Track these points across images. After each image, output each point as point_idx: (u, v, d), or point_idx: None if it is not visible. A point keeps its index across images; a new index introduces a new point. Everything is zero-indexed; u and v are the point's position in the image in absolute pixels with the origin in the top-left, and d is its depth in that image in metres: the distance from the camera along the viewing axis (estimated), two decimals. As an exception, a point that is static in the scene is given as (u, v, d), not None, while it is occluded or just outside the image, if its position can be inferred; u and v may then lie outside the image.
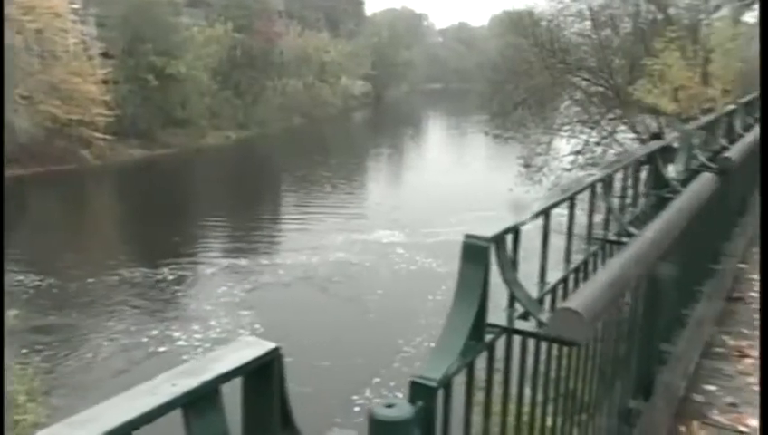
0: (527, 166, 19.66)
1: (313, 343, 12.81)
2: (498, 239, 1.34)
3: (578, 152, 18.88)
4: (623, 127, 19.46)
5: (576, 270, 1.90)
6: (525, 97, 20.96)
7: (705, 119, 4.29)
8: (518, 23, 22.15)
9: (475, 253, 1.27)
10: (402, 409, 1.09)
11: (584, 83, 20.61)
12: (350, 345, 13.21)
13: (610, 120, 19.81)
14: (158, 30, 33.90)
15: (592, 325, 1.31)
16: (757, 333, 4.20)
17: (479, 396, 1.52)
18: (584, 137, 19.63)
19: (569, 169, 18.47)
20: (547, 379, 2.14)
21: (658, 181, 2.74)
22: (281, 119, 44.21)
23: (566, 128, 20.55)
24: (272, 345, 0.87)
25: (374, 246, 19.43)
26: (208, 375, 0.79)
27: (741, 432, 3.08)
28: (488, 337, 1.34)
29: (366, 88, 60.32)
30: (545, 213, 1.62)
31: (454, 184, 27.52)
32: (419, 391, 1.15)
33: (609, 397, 2.75)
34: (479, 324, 1.28)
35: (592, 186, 1.99)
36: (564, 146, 20.26)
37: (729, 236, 5.71)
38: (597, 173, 2.12)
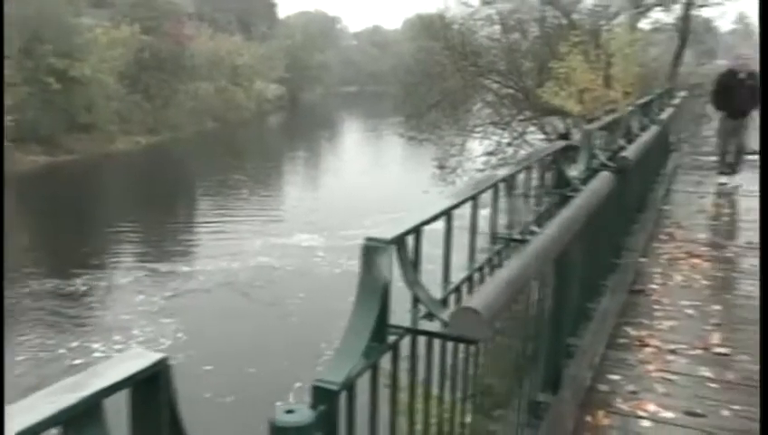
0: (441, 167, 19.97)
1: (237, 350, 12.60)
2: (398, 241, 1.35)
3: (490, 153, 19.32)
4: (533, 128, 20.05)
5: (480, 269, 1.94)
6: (439, 99, 21.28)
7: (604, 120, 4.47)
8: (430, 26, 22.47)
9: (374, 255, 1.27)
10: (303, 414, 1.08)
11: (495, 86, 21.11)
12: (273, 350, 13.06)
13: (521, 121, 20.37)
14: (58, 30, 32.48)
15: (492, 323, 1.33)
16: (656, 323, 4.40)
17: (400, 396, 1.53)
18: (496, 138, 20.10)
19: (482, 170, 18.88)
20: (466, 377, 2.18)
21: (561, 180, 2.83)
22: (193, 123, 43.24)
23: (479, 129, 20.99)
24: (159, 356, 0.84)
25: (294, 250, 19.28)
26: (89, 390, 0.75)
27: (640, 417, 3.21)
28: (391, 338, 1.35)
29: (280, 91, 59.76)
30: (447, 214, 1.64)
31: (371, 186, 27.63)
32: (321, 395, 1.15)
33: (521, 392, 2.82)
34: (381, 326, 1.29)
35: (495, 186, 2.03)
36: (477, 147, 20.69)
37: (630, 232, 5.97)
38: (499, 173, 2.16)
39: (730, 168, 9.53)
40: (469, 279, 1.82)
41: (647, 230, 6.44)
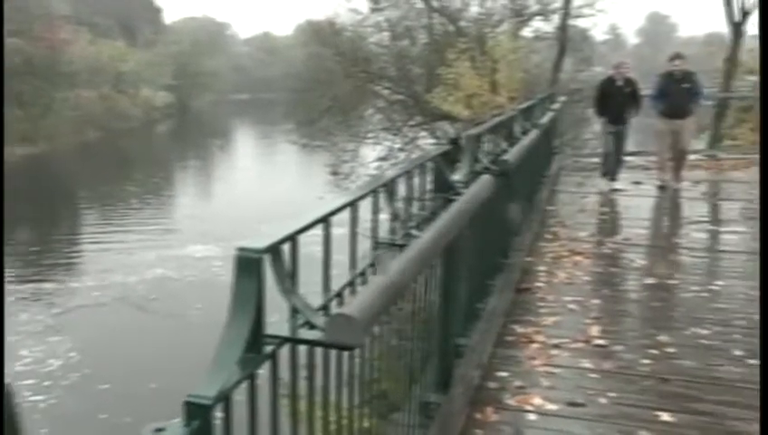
0: (335, 173, 20.01)
1: (136, 366, 12.11)
2: (273, 250, 1.34)
3: (383, 158, 19.53)
4: (424, 133, 20.45)
5: (363, 274, 1.96)
6: (330, 105, 21.32)
7: (487, 124, 4.61)
8: (320, 32, 22.49)
9: (247, 265, 1.26)
10: (174, 431, 1.05)
11: (386, 92, 21.39)
12: (174, 365, 12.63)
13: (412, 126, 20.73)
14: None
15: (367, 329, 1.35)
16: (541, 319, 4.59)
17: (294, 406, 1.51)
18: (388, 143, 20.36)
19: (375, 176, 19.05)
20: (362, 382, 2.19)
21: (444, 184, 2.89)
22: (75, 132, 41.20)
23: (371, 135, 21.19)
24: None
25: (190, 261, 18.76)
26: None
27: (527, 411, 3.34)
28: (269, 348, 1.34)
29: (169, 99, 57.97)
30: (325, 220, 1.65)
31: (266, 194, 27.29)
32: (194, 411, 1.12)
33: (413, 394, 2.86)
34: (256, 337, 1.27)
35: (375, 191, 2.05)
36: (370, 153, 20.87)
37: (517, 232, 6.19)
38: (380, 178, 2.19)
39: (612, 173, 9.77)
40: (351, 285, 1.83)
41: (532, 230, 6.70)
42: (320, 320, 1.33)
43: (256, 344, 1.28)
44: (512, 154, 4.13)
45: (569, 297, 5.01)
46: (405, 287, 1.66)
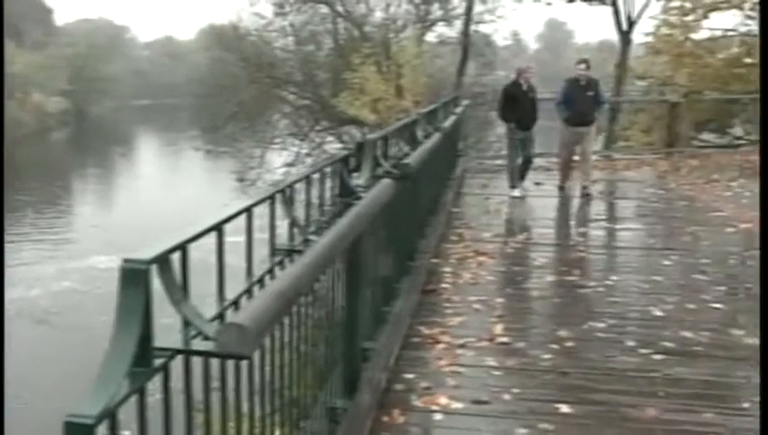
0: (241, 180, 19.73)
1: (41, 384, 11.52)
2: (161, 260, 1.31)
3: (290, 164, 19.42)
4: (331, 138, 20.47)
5: (261, 281, 1.94)
6: (235, 111, 21.01)
7: (388, 128, 4.66)
8: (223, 37, 22.14)
9: (133, 277, 1.22)
10: (53, 454, 1.01)
11: (292, 97, 21.28)
12: (70, 380, 12.08)
13: (319, 131, 20.71)
14: None
15: (259, 338, 1.34)
16: (447, 320, 4.67)
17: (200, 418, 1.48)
18: (295, 149, 20.27)
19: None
20: (273, 389, 2.16)
21: (345, 189, 2.91)
22: (-46, 140, 38.72)
23: (277, 141, 21.03)
24: None
25: (93, 272, 18.00)
26: None
27: (433, 411, 3.39)
28: (159, 361, 1.31)
29: (64, 105, 55.43)
30: (218, 228, 1.62)
31: (171, 202, 26.54)
32: (75, 432, 1.08)
33: (322, 399, 2.86)
34: (145, 350, 1.24)
35: (272, 197, 2.04)
36: (277, 159, 20.70)
37: (423, 235, 6.29)
38: (277, 185, 2.18)
39: (519, 179, 9.53)
40: (248, 293, 1.81)
41: (438, 232, 6.82)
42: (212, 330, 1.31)
43: (145, 358, 1.25)
44: (413, 158, 4.20)
45: (474, 297, 5.12)
46: (300, 294, 1.66)
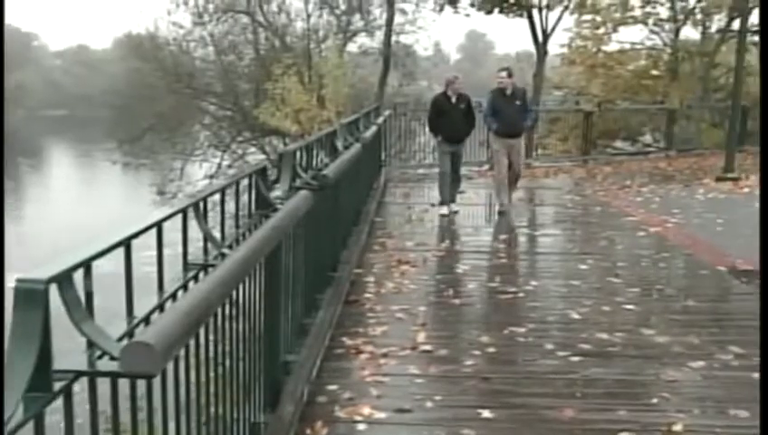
0: (161, 193, 19.25)
1: None
2: (61, 279, 1.27)
3: (211, 176, 19.10)
4: (253, 149, 20.25)
5: (174, 297, 1.90)
6: (153, 122, 20.52)
7: (309, 139, 4.65)
8: (140, 46, 21.60)
9: (29, 297, 1.17)
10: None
11: (213, 108, 20.95)
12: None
13: (240, 142, 20.46)
14: None
15: (168, 356, 1.31)
16: (370, 330, 4.68)
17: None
18: (217, 160, 19.95)
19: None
20: (198, 406, 2.10)
21: (262, 202, 2.88)
22: None
23: (198, 152, 20.65)
24: None
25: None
26: None
27: (356, 422, 3.39)
28: (60, 384, 1.26)
29: (-32, 115, 52.75)
30: (125, 244, 1.58)
31: (87, 217, 25.61)
32: (-34, 463, 1.02)
33: (245, 415, 2.80)
34: (43, 373, 1.19)
35: (184, 211, 1.99)
36: (198, 171, 20.30)
37: (346, 245, 6.29)
38: (189, 198, 2.14)
39: (452, 197, 9.14)
40: (160, 309, 1.77)
41: (360, 242, 6.84)
42: (117, 349, 1.27)
43: (44, 382, 1.20)
44: (332, 169, 4.20)
45: (396, 306, 5.15)
46: (211, 308, 1.63)
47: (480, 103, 10.02)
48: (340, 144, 5.56)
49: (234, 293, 2.16)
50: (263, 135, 19.52)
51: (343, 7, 22.68)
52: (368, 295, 5.45)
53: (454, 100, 8.87)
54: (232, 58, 21.32)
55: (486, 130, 10.01)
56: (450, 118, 8.83)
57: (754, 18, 18.92)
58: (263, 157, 19.17)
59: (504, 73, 8.88)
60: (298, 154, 4.04)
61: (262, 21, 21.16)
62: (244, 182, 2.89)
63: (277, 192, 3.27)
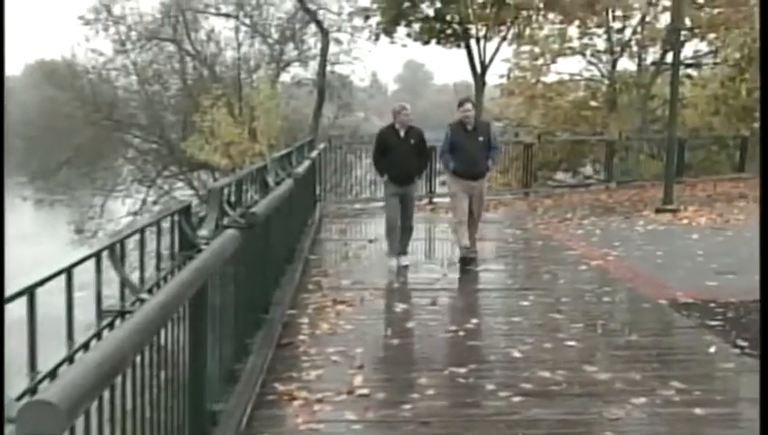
0: (79, 232, 18.72)
1: None
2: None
3: (135, 213, 18.71)
4: (181, 184, 19.96)
5: (86, 346, 1.85)
6: (71, 155, 20.03)
7: (238, 175, 4.63)
8: (55, 74, 21.16)
9: None
10: None
11: (137, 140, 20.63)
12: None
13: (167, 177, 20.15)
14: None
15: (73, 414, 1.26)
16: (304, 374, 4.63)
17: None
18: (141, 196, 19.57)
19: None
20: None
21: (185, 242, 2.84)
22: None
23: (120, 188, 20.23)
24: None
25: None
26: None
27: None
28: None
29: None
30: (30, 291, 1.53)
31: (-5, 259, 24.64)
32: None
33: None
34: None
35: (98, 255, 1.95)
36: (121, 207, 19.85)
37: (278, 285, 6.24)
38: (105, 240, 2.10)
39: (403, 246, 8.21)
40: (70, 361, 1.72)
41: (294, 281, 6.79)
42: (15, 410, 1.22)
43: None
44: (262, 206, 4.18)
45: (332, 349, 5.12)
46: (127, 359, 1.59)
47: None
48: (271, 179, 5.55)
49: (154, 339, 2.12)
50: (191, 169, 19.30)
51: (276, 36, 22.80)
52: (302, 338, 5.40)
53: (402, 133, 7.99)
54: (157, 88, 21.10)
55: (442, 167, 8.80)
56: (398, 154, 7.92)
57: (688, 51, 20.10)
58: (191, 192, 18.91)
59: (469, 105, 8.08)
60: (226, 190, 4.01)
61: (189, 49, 21.07)
62: (162, 222, 2.86)
63: (203, 231, 3.23)
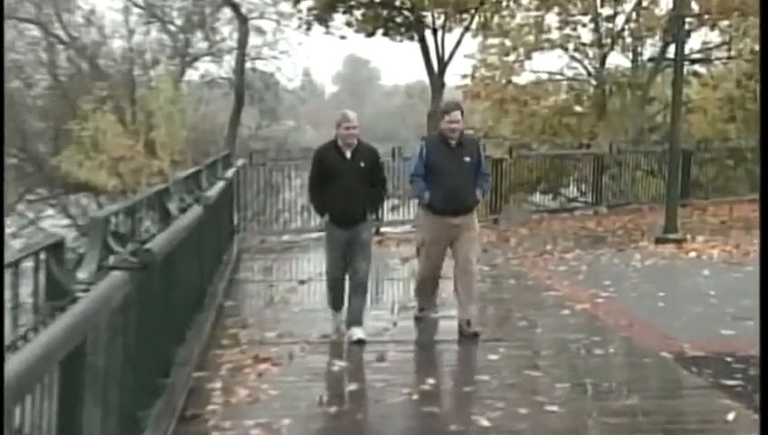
0: None
1: None
2: None
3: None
4: (52, 211, 19.60)
5: None
6: None
7: (129, 200, 4.57)
8: None
9: None
10: None
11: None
12: None
13: (32, 202, 19.74)
14: None
15: None
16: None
17: None
18: (-6, 228, 19.12)
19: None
20: None
21: (55, 290, 2.79)
22: None
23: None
24: None
25: None
26: None
27: None
28: None
29: None
30: None
31: None
32: None
33: None
34: None
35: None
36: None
37: (183, 339, 6.15)
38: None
39: (351, 317, 7.26)
40: None
41: (203, 335, 6.70)
42: None
43: None
44: (161, 240, 4.13)
45: (252, 421, 5.06)
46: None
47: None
48: (174, 206, 5.49)
49: (7, 417, 2.06)
50: (66, 192, 18.96)
51: (179, 22, 22.67)
52: (212, 408, 5.33)
53: (348, 154, 7.07)
54: (17, 85, 20.58)
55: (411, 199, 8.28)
56: (343, 184, 7.01)
57: (694, 42, 20.52)
58: (66, 222, 18.57)
59: (458, 113, 7.15)
60: (114, 220, 3.95)
61: (61, 35, 20.74)
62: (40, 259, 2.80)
63: (82, 274, 3.18)
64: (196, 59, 22.79)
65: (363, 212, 7.21)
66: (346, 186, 7.01)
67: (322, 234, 7.92)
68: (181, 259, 5.74)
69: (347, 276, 7.36)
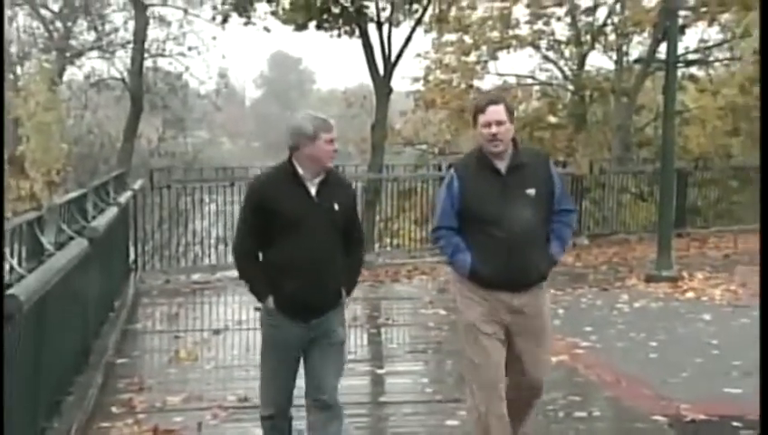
0: None
1: None
2: None
3: None
4: None
5: None
6: None
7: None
8: None
9: None
10: None
11: None
12: None
13: None
14: None
15: None
16: None
17: None
18: None
19: None
20: None
21: None
22: None
23: None
24: None
25: None
26: None
27: None
28: None
29: None
30: None
31: None
32: None
33: None
34: None
35: None
36: None
37: (57, 411, 6.03)
38: None
39: None
40: None
41: (87, 402, 6.57)
42: None
43: None
44: (29, 283, 4.01)
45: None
46: None
47: None
48: (49, 240, 5.37)
49: None
50: None
51: (56, 7, 22.27)
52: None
53: (312, 190, 5.06)
54: None
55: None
56: (303, 241, 5.00)
57: (690, 40, 20.74)
58: None
59: (498, 110, 5.29)
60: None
61: None
62: None
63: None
64: (79, 54, 22.48)
65: (336, 293, 5.21)
66: (309, 245, 4.99)
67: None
68: (57, 307, 5.60)
69: (304, 404, 5.39)
